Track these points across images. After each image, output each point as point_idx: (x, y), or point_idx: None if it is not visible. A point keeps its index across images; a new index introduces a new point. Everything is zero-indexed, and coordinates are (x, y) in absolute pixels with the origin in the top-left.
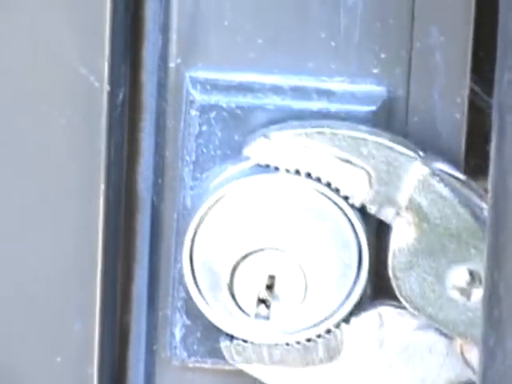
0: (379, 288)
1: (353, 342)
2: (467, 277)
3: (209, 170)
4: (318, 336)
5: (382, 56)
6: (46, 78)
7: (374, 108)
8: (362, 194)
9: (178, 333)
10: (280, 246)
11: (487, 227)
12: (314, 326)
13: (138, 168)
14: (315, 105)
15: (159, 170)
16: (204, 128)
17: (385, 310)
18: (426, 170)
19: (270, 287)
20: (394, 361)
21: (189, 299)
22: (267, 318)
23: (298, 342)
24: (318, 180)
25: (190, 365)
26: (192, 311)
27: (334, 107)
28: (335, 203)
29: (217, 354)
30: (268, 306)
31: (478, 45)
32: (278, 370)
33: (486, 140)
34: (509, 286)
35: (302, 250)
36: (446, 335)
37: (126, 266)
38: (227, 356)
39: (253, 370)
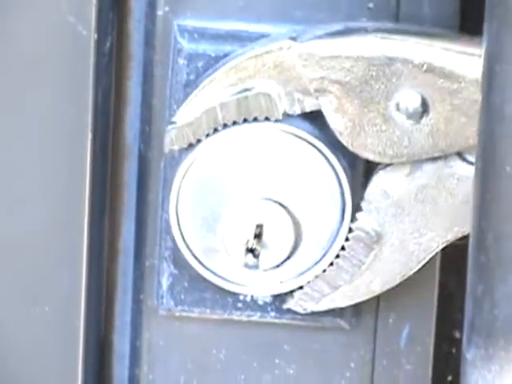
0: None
1: (375, 222)
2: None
3: None
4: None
5: (370, 5)
6: (34, 26)
7: None
8: (276, 107)
9: (165, 282)
10: (265, 194)
11: (474, 177)
12: (310, 268)
13: (126, 117)
14: None
15: (147, 118)
16: (192, 77)
17: (380, 179)
18: (305, 46)
19: (258, 236)
20: (411, 212)
21: (176, 249)
22: (256, 267)
23: (293, 291)
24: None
25: (177, 314)
26: (179, 260)
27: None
28: (311, 144)
29: (204, 302)
30: (257, 256)
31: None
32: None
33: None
34: (497, 232)
35: (286, 195)
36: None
37: (112, 216)
38: (296, 308)
39: (321, 306)
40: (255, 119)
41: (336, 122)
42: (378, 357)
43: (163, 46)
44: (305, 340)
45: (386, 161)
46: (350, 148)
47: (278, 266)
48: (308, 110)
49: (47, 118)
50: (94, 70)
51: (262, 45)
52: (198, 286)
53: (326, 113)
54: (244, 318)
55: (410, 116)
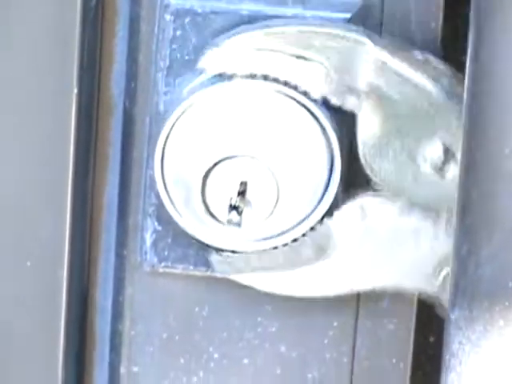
0: (357, 182)
1: (338, 235)
2: (440, 151)
3: (182, 75)
4: (304, 235)
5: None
6: None
7: (348, 15)
8: (320, 87)
9: (149, 238)
10: (251, 152)
11: (463, 132)
12: (292, 228)
13: (111, 73)
14: (290, 11)
15: (132, 74)
16: (178, 33)
17: (365, 201)
18: (381, 52)
19: (242, 194)
20: (381, 248)
21: (160, 205)
22: (239, 224)
23: (285, 245)
24: (276, 81)
25: (161, 270)
26: (163, 217)
27: (308, 14)
28: (301, 104)
29: (187, 259)
30: (240, 213)
31: None
32: (268, 275)
33: (461, 51)
34: (482, 191)
35: (272, 154)
36: (430, 216)
37: (97, 171)
38: (218, 268)
39: (244, 278)
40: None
41: (363, 131)
42: (360, 316)
43: (150, 2)
44: (287, 299)
45: (385, 192)
46: (361, 158)
47: (260, 223)
48: (344, 107)
49: (32, 72)
50: (79, 25)
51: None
52: (181, 243)
53: (360, 119)
54: (224, 276)
55: (434, 167)
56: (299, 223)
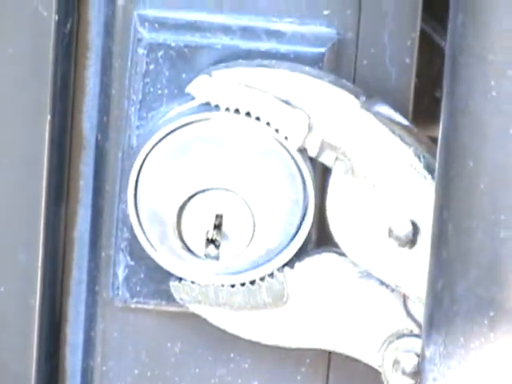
0: (325, 235)
1: (296, 287)
2: (408, 227)
3: (155, 109)
4: (262, 279)
5: None
6: None
7: (323, 50)
8: (301, 137)
9: (121, 273)
10: (226, 185)
11: (437, 167)
12: (259, 266)
13: (83, 107)
14: (264, 45)
15: (105, 108)
16: (151, 67)
17: (328, 257)
18: (365, 115)
19: (218, 227)
20: (336, 308)
21: (133, 239)
22: (217, 258)
23: (243, 284)
24: (258, 119)
25: (133, 306)
26: (136, 252)
27: (283, 48)
28: (279, 142)
29: (160, 295)
30: (217, 246)
31: None
32: (224, 312)
33: (435, 85)
34: (458, 227)
35: (248, 188)
36: (388, 288)
37: (69, 206)
38: (176, 295)
39: (200, 310)
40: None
41: (335, 191)
42: (333, 353)
43: (123, 36)
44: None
45: (351, 260)
46: (329, 218)
47: (237, 256)
48: (320, 160)
49: (7, 100)
50: (53, 51)
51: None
52: (154, 278)
53: (332, 177)
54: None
55: (400, 241)
56: (265, 263)
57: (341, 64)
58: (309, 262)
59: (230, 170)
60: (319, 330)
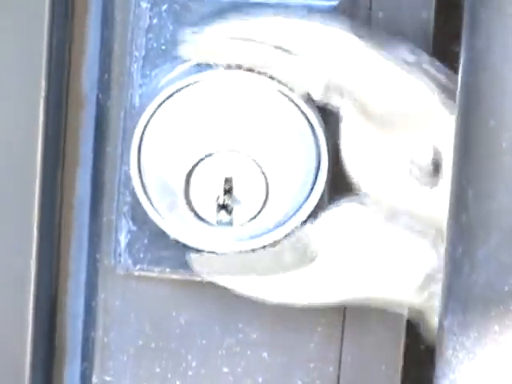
0: (342, 186)
1: (321, 241)
2: (430, 156)
3: (159, 66)
4: (284, 239)
5: None
6: None
7: (335, 3)
8: (303, 83)
9: (123, 239)
10: (234, 146)
11: (455, 133)
12: (277, 227)
13: (83, 63)
14: None
15: (105, 65)
16: (155, 21)
17: (349, 207)
18: (366, 48)
19: (228, 191)
20: (364, 257)
21: (135, 204)
22: (230, 223)
23: (264, 247)
24: (261, 73)
25: (136, 273)
26: (138, 216)
27: (294, 1)
28: (289, 98)
29: (164, 262)
30: (229, 212)
31: None
32: (249, 279)
33: (453, 41)
34: (478, 189)
35: (257, 147)
36: (416, 228)
37: (67, 168)
38: (196, 269)
39: (223, 281)
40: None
41: (347, 133)
42: (347, 321)
43: None
44: (270, 305)
45: (368, 199)
46: (344, 160)
47: (251, 220)
48: (328, 105)
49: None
50: (49, 10)
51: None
52: (158, 244)
53: (343, 119)
54: (203, 278)
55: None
56: (282, 224)
57: (355, 17)
58: (330, 214)
59: (237, 129)
60: (351, 281)
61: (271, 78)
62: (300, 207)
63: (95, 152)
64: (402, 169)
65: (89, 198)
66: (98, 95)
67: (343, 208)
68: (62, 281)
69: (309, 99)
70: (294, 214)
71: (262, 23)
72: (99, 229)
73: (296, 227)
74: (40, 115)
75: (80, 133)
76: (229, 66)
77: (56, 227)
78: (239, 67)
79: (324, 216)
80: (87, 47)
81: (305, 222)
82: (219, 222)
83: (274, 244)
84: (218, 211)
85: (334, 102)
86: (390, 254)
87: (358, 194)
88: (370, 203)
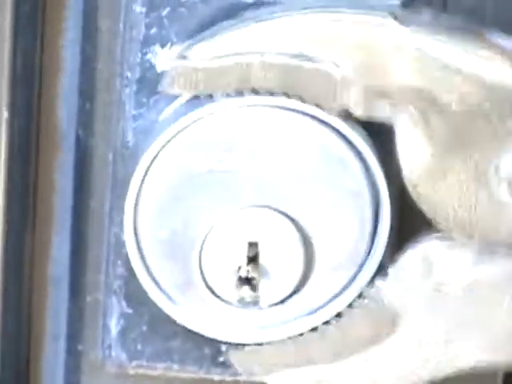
0: (410, 223)
1: (398, 300)
2: None
3: (159, 92)
4: (350, 306)
5: None
6: None
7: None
8: (333, 97)
9: (115, 326)
10: (262, 199)
11: None
12: (330, 301)
13: (57, 89)
14: None
15: (87, 90)
16: (153, 31)
17: (429, 247)
18: (414, 35)
19: (253, 260)
20: (460, 311)
21: (130, 278)
22: (256, 302)
23: (327, 323)
24: (271, 94)
25: (132, 371)
26: (135, 295)
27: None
28: (328, 125)
29: (170, 356)
30: (254, 287)
31: None
32: (310, 370)
33: None
34: None
35: (291, 201)
36: None
37: (39, 232)
38: (243, 370)
39: (279, 379)
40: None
41: (407, 152)
42: None
43: None
44: None
45: (452, 234)
46: (411, 190)
47: (282, 300)
48: (373, 117)
49: None
50: (10, 22)
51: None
52: (161, 332)
53: (398, 135)
54: (228, 378)
55: None
56: (338, 294)
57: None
58: (405, 261)
59: (263, 177)
60: (448, 348)
61: (285, 94)
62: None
63: (75, 208)
64: (486, 186)
65: (67, 269)
66: (77, 131)
67: (421, 250)
68: (34, 381)
69: (347, 116)
70: (350, 282)
71: (262, 29)
72: (82, 311)
73: (365, 287)
74: (1, 159)
75: (55, 183)
76: (229, 95)
77: (24, 307)
78: (256, 92)
79: (398, 265)
80: (63, 66)
81: (372, 281)
82: (241, 301)
83: (339, 314)
84: (240, 287)
85: (381, 114)
86: (487, 305)
87: (437, 231)
88: (452, 239)
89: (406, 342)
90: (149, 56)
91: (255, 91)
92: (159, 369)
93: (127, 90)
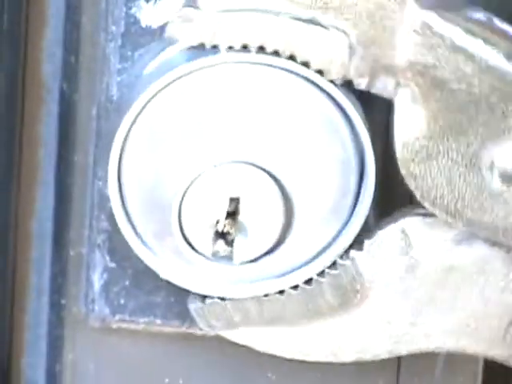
0: (396, 198)
1: (371, 273)
2: None
3: (144, 46)
4: (321, 274)
5: None
6: None
7: None
8: (341, 64)
9: (98, 280)
10: (244, 155)
11: None
12: (307, 263)
13: (41, 42)
14: None
15: (72, 45)
16: None
17: (409, 224)
18: (424, 12)
19: (232, 215)
20: (431, 294)
21: (114, 232)
22: (229, 258)
23: (296, 287)
24: (276, 54)
25: (115, 326)
26: (118, 249)
27: None
28: (317, 86)
29: (153, 310)
30: (230, 242)
31: None
32: (272, 330)
33: None
34: None
35: (275, 157)
36: (499, 250)
37: (23, 184)
38: (201, 322)
39: (239, 336)
40: (291, 58)
41: (403, 128)
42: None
43: None
44: (298, 363)
45: (442, 217)
46: (400, 166)
47: (257, 258)
48: (373, 91)
49: None
50: None
51: None
52: (144, 286)
53: (397, 110)
54: (210, 333)
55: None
56: (315, 257)
57: None
58: (384, 235)
59: (247, 133)
60: (414, 328)
61: (292, 58)
62: (336, 237)
63: (58, 162)
64: (478, 173)
65: (51, 223)
66: (61, 85)
67: (401, 225)
68: (16, 337)
69: (343, 85)
70: (328, 246)
71: None
72: (65, 265)
73: (339, 255)
74: None
75: (39, 136)
76: (236, 49)
77: (8, 262)
78: (247, 50)
79: (375, 238)
80: (47, 20)
81: (347, 251)
82: (215, 254)
83: (309, 281)
84: (215, 240)
85: (383, 88)
86: (462, 289)
87: (420, 207)
88: (435, 219)
89: (373, 316)
90: (133, 10)
91: (262, 49)
92: (142, 323)
93: (112, 44)
